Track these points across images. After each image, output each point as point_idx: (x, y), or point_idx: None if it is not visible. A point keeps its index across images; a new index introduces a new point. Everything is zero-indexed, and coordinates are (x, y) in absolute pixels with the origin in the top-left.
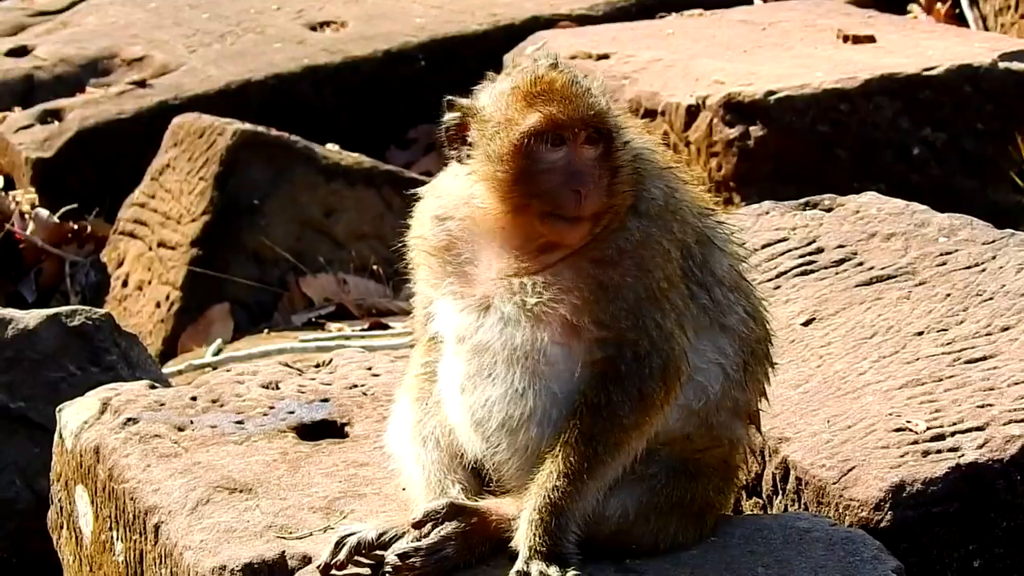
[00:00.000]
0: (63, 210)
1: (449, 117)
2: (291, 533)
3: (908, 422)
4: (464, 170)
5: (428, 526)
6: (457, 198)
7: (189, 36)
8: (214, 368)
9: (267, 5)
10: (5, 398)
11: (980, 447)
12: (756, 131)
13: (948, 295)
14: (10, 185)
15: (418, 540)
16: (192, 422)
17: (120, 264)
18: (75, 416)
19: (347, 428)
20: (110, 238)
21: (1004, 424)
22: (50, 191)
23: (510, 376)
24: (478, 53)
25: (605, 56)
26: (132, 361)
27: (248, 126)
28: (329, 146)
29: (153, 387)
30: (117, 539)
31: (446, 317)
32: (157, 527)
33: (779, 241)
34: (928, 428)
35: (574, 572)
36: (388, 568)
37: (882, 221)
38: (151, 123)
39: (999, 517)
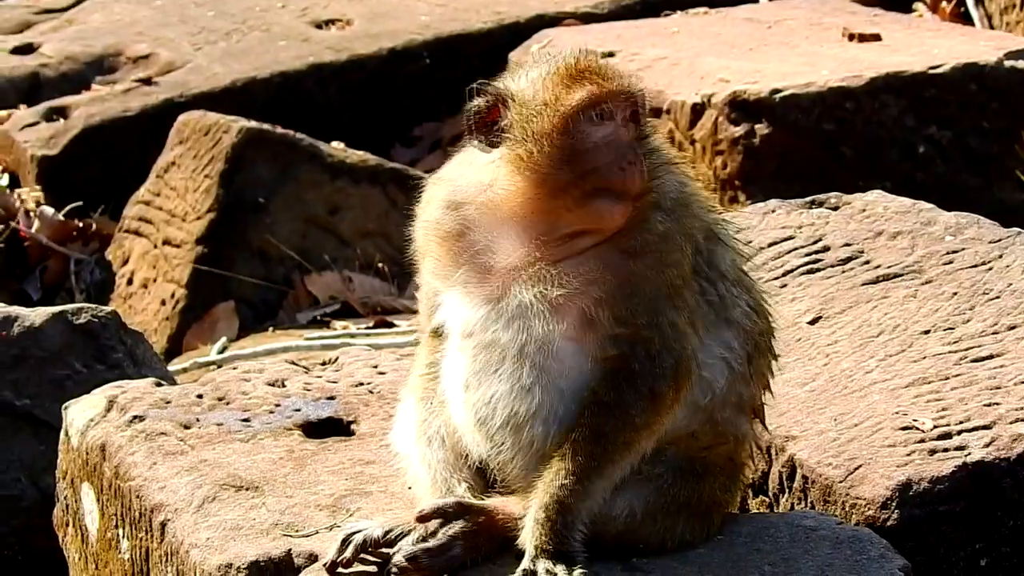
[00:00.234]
0: (68, 208)
1: (478, 102)
2: (297, 531)
3: (915, 421)
4: (486, 156)
5: (435, 524)
6: (475, 184)
7: (195, 34)
8: (219, 366)
9: (272, 3)
10: (11, 395)
11: (987, 446)
12: (761, 129)
13: (955, 294)
14: (15, 183)
15: (425, 540)
16: (198, 420)
17: (125, 262)
18: (81, 414)
19: (353, 426)
20: (115, 236)
21: (1011, 423)
22: (55, 189)
23: (517, 372)
24: (483, 51)
25: (610, 54)
26: (138, 359)
27: (253, 124)
28: (334, 144)
29: (159, 385)
30: (123, 537)
31: (454, 310)
32: (163, 525)
33: (785, 239)
34: (935, 427)
35: (581, 571)
36: (395, 569)
37: (888, 219)
38: (156, 121)
39: (1006, 516)
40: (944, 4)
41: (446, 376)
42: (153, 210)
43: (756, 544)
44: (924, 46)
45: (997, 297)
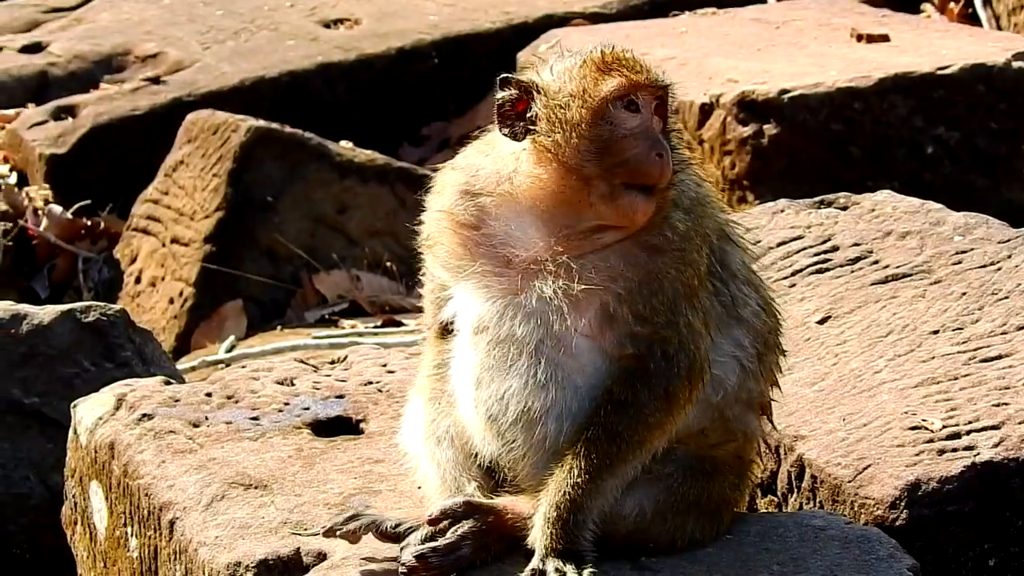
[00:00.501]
0: (76, 206)
1: (506, 93)
2: (306, 529)
3: (923, 420)
4: (508, 147)
5: (444, 523)
6: (494, 174)
7: (203, 33)
8: (227, 365)
9: (281, 2)
10: (19, 394)
11: (995, 446)
12: (770, 129)
13: (964, 294)
14: (24, 181)
15: (434, 539)
16: (207, 418)
17: (133, 260)
18: (90, 412)
19: (362, 424)
20: (123, 234)
21: (1020, 423)
22: (63, 187)
23: (533, 367)
24: (491, 51)
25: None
26: (146, 357)
27: (262, 123)
28: (342, 143)
29: (168, 383)
30: (131, 535)
31: (466, 304)
32: (172, 523)
33: (794, 239)
34: (944, 427)
35: (590, 570)
36: (404, 567)
37: (897, 219)
38: (165, 120)
39: (1014, 516)
40: (952, 5)
41: (455, 373)
42: (161, 209)
43: (765, 543)
44: (932, 47)
45: (1006, 297)
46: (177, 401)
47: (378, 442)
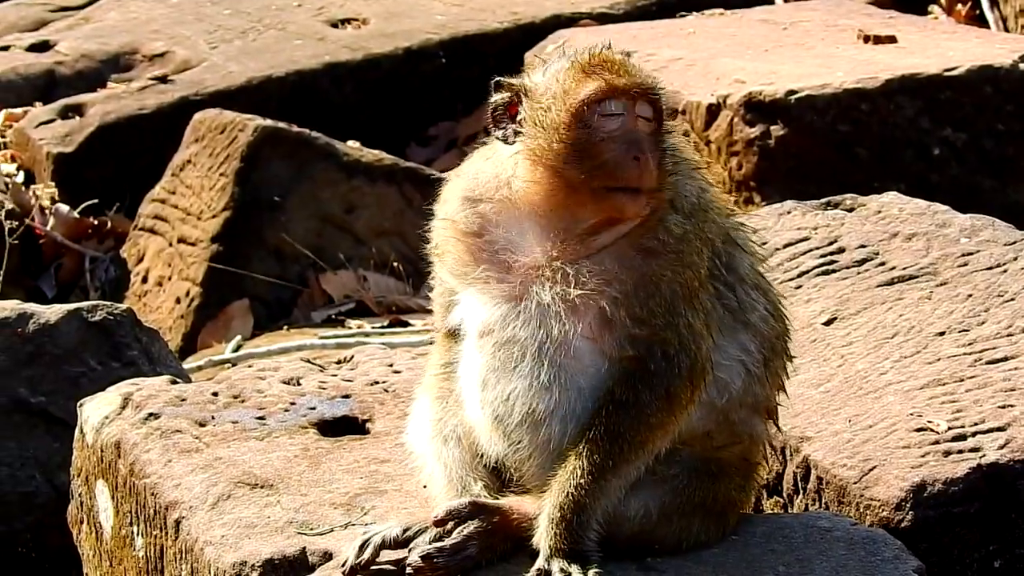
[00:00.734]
0: (83, 205)
1: (498, 96)
2: (312, 529)
3: (929, 422)
4: (506, 151)
5: (450, 524)
6: (494, 179)
7: (210, 32)
8: (233, 364)
9: (288, 2)
10: (26, 392)
11: (1001, 447)
12: (777, 130)
13: (970, 296)
14: (31, 180)
15: (440, 539)
16: (213, 418)
17: (140, 260)
18: (96, 411)
19: (368, 424)
20: (130, 234)
21: None
22: (70, 186)
23: (536, 369)
24: (499, 51)
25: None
26: (153, 356)
27: (269, 122)
28: (350, 143)
29: (174, 382)
30: (137, 534)
31: (471, 308)
32: (178, 522)
33: (801, 240)
34: (949, 428)
35: (595, 570)
36: (410, 568)
37: (904, 221)
38: (172, 119)
39: (1020, 517)
40: (959, 6)
41: (462, 375)
42: (168, 208)
43: (771, 544)
44: (939, 48)
45: (1012, 299)
46: (183, 400)
47: (384, 442)
